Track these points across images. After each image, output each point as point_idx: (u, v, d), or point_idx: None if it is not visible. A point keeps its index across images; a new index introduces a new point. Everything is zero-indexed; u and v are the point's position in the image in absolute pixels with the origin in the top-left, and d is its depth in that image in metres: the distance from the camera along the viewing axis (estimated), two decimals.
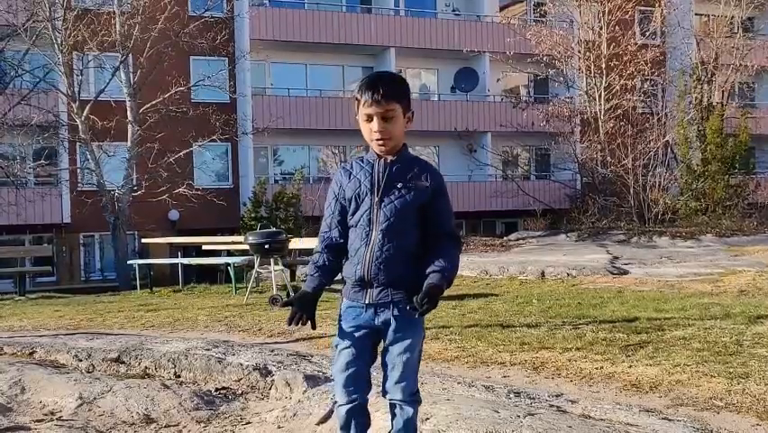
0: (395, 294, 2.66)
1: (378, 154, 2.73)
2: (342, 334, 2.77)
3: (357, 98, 2.70)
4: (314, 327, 2.75)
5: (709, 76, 23.30)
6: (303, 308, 2.71)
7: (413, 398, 2.72)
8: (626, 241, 17.35)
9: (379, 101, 2.62)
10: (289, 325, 2.73)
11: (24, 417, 4.01)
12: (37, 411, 4.13)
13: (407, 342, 2.67)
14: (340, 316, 2.79)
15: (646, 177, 20.60)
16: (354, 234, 2.74)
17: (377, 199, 2.68)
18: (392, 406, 2.75)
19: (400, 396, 2.70)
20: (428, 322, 7.03)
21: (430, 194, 2.66)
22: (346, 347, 2.75)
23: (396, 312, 2.67)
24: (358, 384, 2.73)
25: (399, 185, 2.67)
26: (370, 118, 2.66)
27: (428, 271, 2.63)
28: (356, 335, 2.73)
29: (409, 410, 2.72)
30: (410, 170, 2.69)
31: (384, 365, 2.73)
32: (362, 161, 2.78)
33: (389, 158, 2.71)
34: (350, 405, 2.73)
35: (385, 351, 2.72)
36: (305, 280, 2.87)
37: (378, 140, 2.66)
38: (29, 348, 5.68)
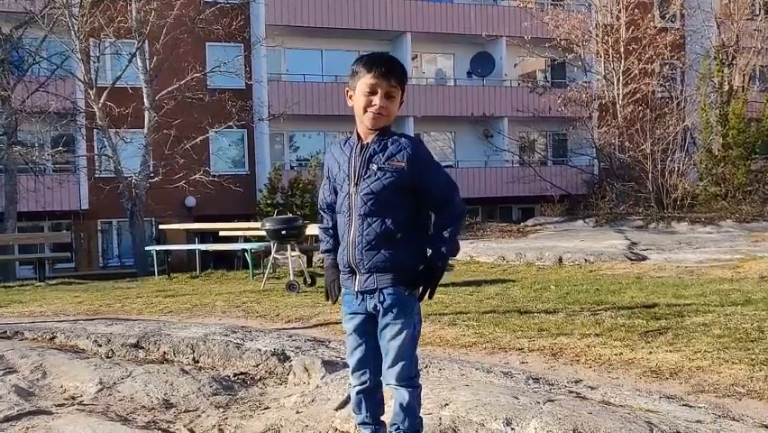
0: (380, 280, 2.66)
1: (358, 135, 2.73)
2: (345, 320, 2.84)
3: (356, 71, 2.68)
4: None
5: (730, 59, 22.95)
6: (331, 276, 2.83)
7: (408, 382, 2.72)
8: (645, 227, 17.22)
9: (388, 77, 2.64)
10: (328, 300, 2.88)
11: (46, 401, 4.04)
12: (58, 396, 4.17)
13: (397, 327, 2.68)
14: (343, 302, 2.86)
15: (665, 162, 20.39)
16: (340, 221, 2.77)
17: (354, 184, 2.68)
18: (393, 390, 2.78)
19: (394, 380, 2.72)
20: (445, 308, 7.04)
21: (408, 173, 2.62)
22: (350, 333, 2.82)
23: (382, 298, 2.68)
24: (367, 367, 2.79)
25: (375, 167, 2.65)
26: (373, 91, 2.64)
27: (430, 252, 2.69)
28: (354, 321, 2.79)
29: (404, 394, 2.72)
30: (386, 151, 2.66)
31: (382, 350, 2.76)
32: (343, 145, 2.78)
33: (368, 140, 2.70)
34: (359, 387, 2.82)
35: (379, 336, 2.74)
36: (322, 266, 2.91)
37: (376, 112, 2.65)
38: (49, 333, 5.73)
